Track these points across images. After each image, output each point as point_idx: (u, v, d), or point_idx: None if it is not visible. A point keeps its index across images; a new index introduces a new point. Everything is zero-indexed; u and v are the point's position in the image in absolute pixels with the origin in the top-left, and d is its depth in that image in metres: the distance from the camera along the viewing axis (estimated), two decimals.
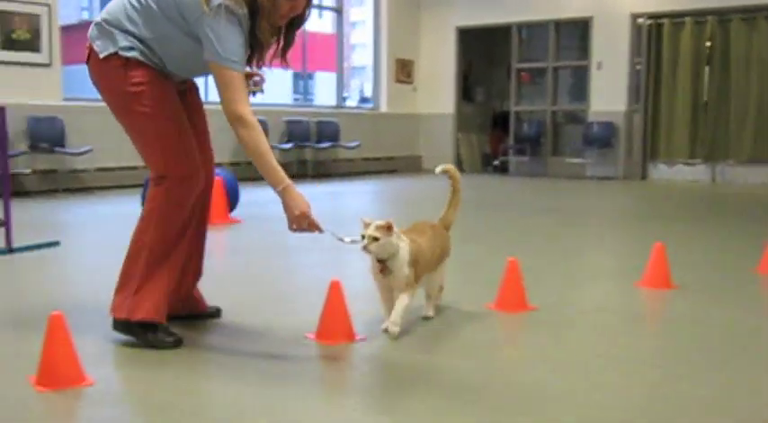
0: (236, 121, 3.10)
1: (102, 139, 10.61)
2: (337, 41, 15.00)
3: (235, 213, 7.51)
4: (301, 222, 3.15)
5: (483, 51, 15.68)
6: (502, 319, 3.85)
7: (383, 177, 13.60)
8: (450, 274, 3.89)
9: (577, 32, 14.29)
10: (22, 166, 9.79)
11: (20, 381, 2.81)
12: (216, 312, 3.74)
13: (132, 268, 3.30)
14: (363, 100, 27.13)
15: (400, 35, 15.07)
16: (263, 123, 12.17)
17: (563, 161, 14.05)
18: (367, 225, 3.28)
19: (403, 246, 3.32)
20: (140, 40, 3.21)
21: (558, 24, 14.22)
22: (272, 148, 11.91)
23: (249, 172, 11.58)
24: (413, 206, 9.22)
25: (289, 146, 12.56)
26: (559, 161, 14.16)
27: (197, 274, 3.66)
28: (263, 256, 5.56)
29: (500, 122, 15.53)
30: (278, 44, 3.38)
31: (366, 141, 13.96)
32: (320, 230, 3.19)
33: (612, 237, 7.05)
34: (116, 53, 3.18)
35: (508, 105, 15.05)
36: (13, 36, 9.86)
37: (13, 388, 2.76)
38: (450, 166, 3.90)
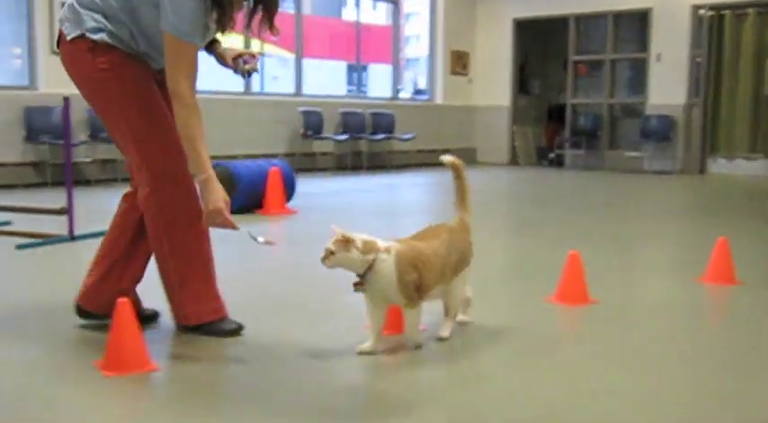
0: (174, 96, 2.97)
1: None
2: (393, 33, 14.99)
3: (291, 204, 7.54)
4: (215, 218, 2.98)
5: (539, 43, 15.55)
6: (563, 312, 3.82)
7: (437, 170, 13.54)
8: (507, 267, 3.86)
9: (636, 24, 14.09)
10: (83, 155, 9.95)
11: (87, 365, 2.86)
12: (153, 315, 3.46)
13: (169, 278, 3.23)
14: (417, 92, 27.06)
15: (456, 27, 15.01)
16: (317, 114, 12.33)
17: (620, 155, 13.88)
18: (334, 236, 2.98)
19: (383, 258, 2.95)
20: (109, 17, 3.05)
21: (617, 16, 14.04)
22: (328, 139, 11.97)
23: (304, 163, 11.69)
24: None
25: (344, 137, 12.58)
26: (616, 155, 14.00)
27: (138, 277, 3.40)
28: (316, 247, 5.56)
29: (556, 115, 15.39)
30: (249, 8, 3.15)
31: (421, 133, 13.93)
32: (234, 228, 3.01)
33: (672, 231, 6.95)
34: (83, 35, 3.05)
35: (564, 98, 14.91)
36: None
37: (81, 372, 2.81)
38: (457, 161, 3.38)
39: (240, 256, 5.06)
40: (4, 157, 9.50)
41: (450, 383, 2.80)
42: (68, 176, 5.66)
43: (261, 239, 3.13)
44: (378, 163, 13.42)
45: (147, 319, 3.36)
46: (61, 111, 9.47)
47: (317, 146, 12.61)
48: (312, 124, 12.36)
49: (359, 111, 13.26)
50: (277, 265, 4.92)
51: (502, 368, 2.97)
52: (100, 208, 7.43)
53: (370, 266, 2.94)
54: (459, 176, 3.38)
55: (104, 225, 6.08)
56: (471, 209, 3.40)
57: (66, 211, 5.60)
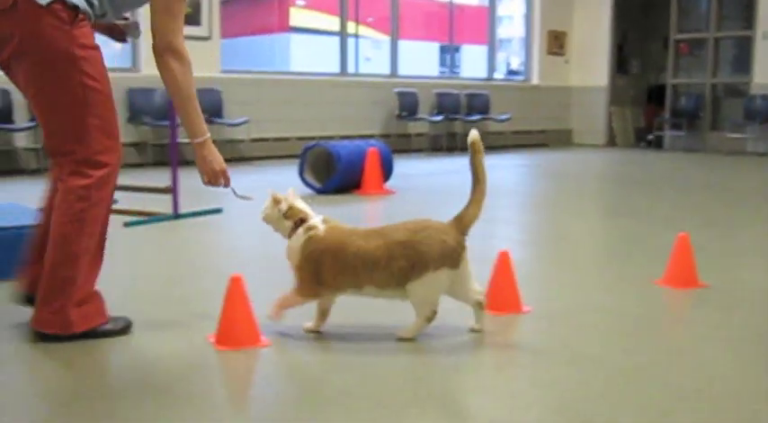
0: (169, 52, 2.80)
1: (258, 109, 10.90)
2: (489, 13, 14.83)
3: (388, 184, 7.55)
4: (218, 177, 3.00)
5: (639, 22, 15.18)
6: (673, 295, 3.72)
7: (533, 151, 13.40)
8: (611, 248, 3.77)
9: (742, 1, 13.63)
10: (183, 136, 10.12)
11: (200, 339, 2.91)
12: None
13: (66, 275, 2.79)
14: (510, 73, 26.85)
15: (553, 6, 14.76)
16: (412, 95, 12.31)
17: (721, 136, 13.47)
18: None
19: (299, 234, 2.90)
20: None
21: None
22: (423, 120, 11.95)
23: (398, 144, 11.69)
24: (562, 180, 9.06)
25: (438, 118, 12.53)
26: (717, 136, 13.59)
27: None
28: None
29: (655, 96, 15.01)
30: None
31: (516, 114, 13.78)
32: (228, 186, 3.07)
33: None
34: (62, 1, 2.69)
35: (664, 78, 14.53)
36: None
37: (194, 346, 2.86)
38: (477, 138, 2.94)
39: None
40: None
41: (566, 366, 2.75)
42: (174, 156, 5.78)
43: (240, 194, 3.16)
44: None
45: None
46: (161, 93, 9.68)
47: (412, 127, 12.59)
48: (407, 105, 12.35)
49: (454, 91, 13.18)
50: None
51: (613, 350, 2.91)
52: (200, 187, 7.57)
53: (290, 236, 2.92)
54: (475, 158, 2.95)
55: (205, 204, 6.23)
56: (482, 201, 3.01)
57: (171, 190, 5.72)
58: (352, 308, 3.15)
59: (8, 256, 3.79)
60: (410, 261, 2.83)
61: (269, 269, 4.11)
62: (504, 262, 3.36)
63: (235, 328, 2.82)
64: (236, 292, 2.81)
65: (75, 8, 2.72)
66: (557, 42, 14.84)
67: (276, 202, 2.98)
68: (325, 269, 2.86)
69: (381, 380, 2.53)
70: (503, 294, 3.34)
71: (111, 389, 2.48)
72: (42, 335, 2.83)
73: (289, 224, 2.94)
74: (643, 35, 15.41)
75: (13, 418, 2.24)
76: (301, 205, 2.99)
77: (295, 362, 2.72)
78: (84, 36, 2.77)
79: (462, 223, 2.96)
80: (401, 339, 2.92)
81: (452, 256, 2.87)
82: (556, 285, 3.93)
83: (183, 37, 2.83)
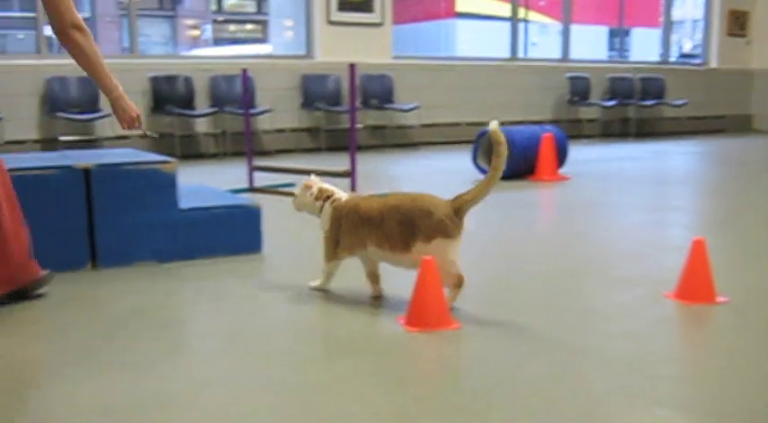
0: (74, 28, 3.20)
1: (429, 95, 10.94)
2: None
3: (562, 170, 7.43)
4: (134, 122, 3.48)
5: None
6: None
7: (709, 137, 12.87)
8: None
9: None
10: (360, 121, 10.30)
11: (390, 320, 2.95)
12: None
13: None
14: (682, 56, 25.89)
15: None
16: (584, 80, 12.04)
17: None
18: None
19: (326, 207, 3.29)
20: None
21: None
22: (595, 105, 11.66)
23: (569, 130, 11.47)
24: (741, 168, 8.64)
25: (611, 103, 12.20)
26: None
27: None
28: (599, 214, 5.44)
29: None
30: None
31: (693, 99, 13.25)
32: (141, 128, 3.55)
33: None
34: None
35: None
36: None
37: (387, 327, 2.90)
38: (496, 128, 3.00)
39: (504, 222, 5.05)
40: (284, 123, 10.02)
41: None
42: (352, 141, 5.88)
43: (149, 133, 3.97)
44: (646, 130, 12.92)
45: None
46: (334, 79, 9.86)
47: (584, 112, 12.33)
48: (579, 90, 12.10)
49: (628, 75, 12.81)
50: (550, 231, 4.86)
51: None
52: (374, 171, 7.69)
53: (320, 212, 3.30)
54: (496, 149, 2.98)
55: (380, 188, 6.31)
56: (485, 189, 3.02)
57: (350, 173, 5.82)
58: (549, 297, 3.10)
59: (205, 233, 3.96)
60: (400, 225, 3.07)
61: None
62: (698, 250, 3.23)
63: (426, 311, 2.84)
64: (428, 275, 2.83)
65: None
66: (737, 22, 14.15)
67: (307, 187, 3.36)
68: (342, 231, 3.24)
69: (580, 369, 2.49)
70: (697, 283, 3.21)
71: (303, 357, 2.54)
72: None
73: (319, 203, 3.31)
74: None
75: None
76: (328, 186, 3.37)
77: (486, 346, 2.71)
78: None
79: (456, 202, 3.06)
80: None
81: (441, 228, 3.00)
82: (749, 275, 3.75)
83: (75, 9, 3.24)
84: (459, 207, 3.04)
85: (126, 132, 8.86)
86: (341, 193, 3.33)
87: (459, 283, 3.05)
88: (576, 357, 2.58)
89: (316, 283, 3.41)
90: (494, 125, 3.00)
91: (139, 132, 3.69)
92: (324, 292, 3.36)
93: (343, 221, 3.23)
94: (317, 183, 3.36)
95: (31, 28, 30.48)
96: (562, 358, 2.57)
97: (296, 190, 3.40)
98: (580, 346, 2.68)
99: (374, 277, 3.32)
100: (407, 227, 3.05)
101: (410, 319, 2.87)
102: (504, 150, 2.98)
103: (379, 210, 3.14)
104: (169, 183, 3.91)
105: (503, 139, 2.97)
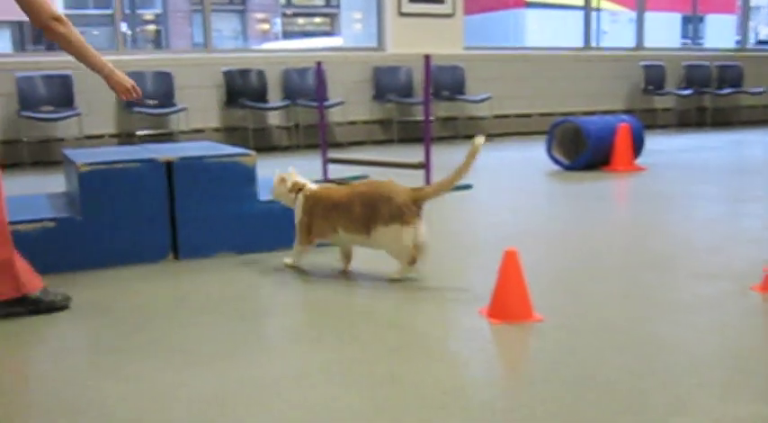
0: (55, 20, 3.32)
1: (500, 86, 10.86)
2: None
3: (638, 161, 7.31)
4: (131, 92, 3.56)
5: None
6: None
7: None
8: None
9: None
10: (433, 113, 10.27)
11: (472, 312, 2.94)
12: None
13: None
14: (759, 43, 25.27)
15: None
16: (659, 69, 11.82)
17: None
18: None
19: (299, 198, 3.62)
20: None
21: None
22: (670, 94, 11.42)
23: (643, 119, 11.29)
24: None
25: (687, 92, 11.96)
26: None
27: None
28: (676, 205, 5.33)
29: None
30: None
31: None
32: (140, 97, 3.66)
33: None
34: None
35: None
36: None
37: (469, 319, 2.88)
38: (480, 144, 3.26)
39: (580, 213, 4.98)
40: (356, 115, 10.05)
41: None
42: (427, 133, 5.85)
43: (149, 101, 3.91)
44: (723, 119, 12.64)
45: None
46: (405, 71, 9.85)
47: (658, 101, 12.11)
48: (653, 79, 11.88)
49: (704, 63, 12.53)
50: (627, 222, 4.79)
51: None
52: (446, 163, 7.65)
53: (294, 203, 3.64)
54: (469, 158, 3.32)
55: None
56: (447, 186, 3.38)
57: (424, 165, 5.80)
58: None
59: (283, 225, 4.00)
60: (364, 208, 3.37)
61: (529, 243, 4.09)
62: None
63: (509, 302, 2.82)
64: (510, 267, 2.81)
65: None
66: None
67: (282, 180, 3.68)
68: (313, 218, 3.55)
69: (669, 363, 2.45)
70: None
71: (388, 351, 2.54)
72: None
73: (293, 195, 3.64)
74: None
75: None
76: (301, 179, 3.68)
77: (572, 338, 2.68)
78: None
79: (417, 194, 3.38)
80: (391, 280, 3.42)
81: (399, 215, 3.31)
82: None
83: (52, 4, 3.37)
84: (418, 198, 3.36)
85: (200, 126, 8.99)
86: (311, 184, 3.67)
87: (412, 262, 3.39)
88: (665, 351, 2.53)
89: (289, 260, 3.71)
90: (479, 140, 3.26)
91: (148, 103, 3.91)
92: (402, 286, 3.35)
93: (315, 209, 3.55)
94: (291, 176, 3.68)
95: (107, 25, 31.11)
96: (650, 351, 2.52)
97: (274, 181, 3.73)
98: (667, 340, 2.64)
99: (347, 257, 3.67)
100: (370, 211, 3.37)
101: (493, 311, 2.85)
102: (472, 161, 3.31)
103: (348, 196, 3.45)
104: (249, 175, 3.95)
105: (478, 152, 3.28)
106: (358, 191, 3.43)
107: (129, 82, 3.62)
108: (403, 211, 3.31)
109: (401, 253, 3.37)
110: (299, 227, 3.63)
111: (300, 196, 3.61)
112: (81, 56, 3.51)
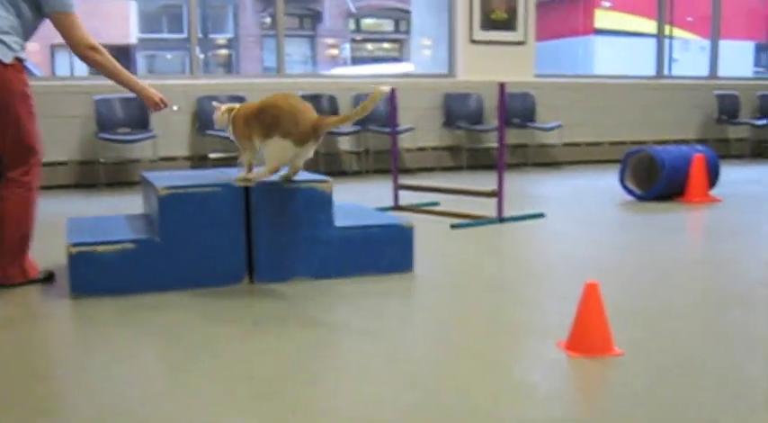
0: (91, 50, 3.86)
1: (571, 114, 10.80)
2: None
3: (713, 192, 7.19)
4: (160, 105, 4.12)
5: None
6: None
7: None
8: None
9: None
10: (496, 140, 10.24)
11: (550, 344, 2.90)
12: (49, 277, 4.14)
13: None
14: None
15: None
16: (733, 98, 11.62)
17: None
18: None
19: (229, 118, 4.00)
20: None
21: None
22: (745, 124, 11.20)
23: (717, 149, 11.10)
24: None
25: (762, 122, 11.72)
26: None
27: None
28: (755, 239, 5.21)
29: None
30: None
31: None
32: (168, 105, 4.21)
33: None
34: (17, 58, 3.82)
35: None
36: (492, 17, 10.32)
37: (546, 350, 2.85)
38: (380, 92, 3.58)
39: (656, 245, 4.91)
40: (426, 141, 10.07)
41: None
42: (501, 161, 5.82)
43: (174, 107, 4.13)
44: None
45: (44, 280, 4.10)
46: (476, 98, 9.85)
47: (732, 131, 11.91)
48: (727, 108, 11.69)
49: None
50: (705, 256, 4.69)
51: None
52: (518, 191, 7.62)
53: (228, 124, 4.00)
54: (369, 104, 3.64)
55: (524, 208, 6.26)
56: (345, 120, 3.86)
57: (496, 193, 5.78)
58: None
59: (359, 251, 4.01)
60: (271, 119, 3.74)
61: (604, 274, 4.03)
62: None
63: (589, 336, 2.78)
64: (591, 299, 2.77)
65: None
66: None
67: (219, 109, 4.04)
68: (240, 129, 3.93)
69: (759, 404, 2.39)
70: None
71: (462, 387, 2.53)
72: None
73: (226, 116, 3.99)
74: None
75: None
76: (232, 105, 4.07)
77: (654, 375, 2.63)
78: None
79: (322, 121, 3.75)
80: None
81: (295, 134, 3.70)
82: None
83: (86, 32, 3.90)
84: (318, 126, 3.73)
85: None
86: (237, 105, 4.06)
87: (286, 179, 3.94)
88: (751, 390, 2.47)
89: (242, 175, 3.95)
90: (384, 88, 3.59)
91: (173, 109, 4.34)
92: (479, 316, 3.33)
93: (236, 122, 3.92)
94: (229, 107, 4.04)
95: (179, 49, 31.69)
96: (735, 390, 2.46)
97: (216, 114, 4.07)
98: (754, 379, 2.57)
99: (293, 169, 3.95)
100: (274, 121, 3.73)
101: (572, 344, 2.82)
102: (370, 108, 3.67)
103: (260, 106, 3.83)
104: (325, 201, 3.98)
105: (377, 99, 3.60)
106: (270, 102, 3.80)
107: (157, 96, 4.13)
108: (301, 133, 3.70)
109: (273, 162, 3.81)
110: (239, 142, 3.99)
111: (230, 116, 3.99)
112: (115, 79, 4.02)
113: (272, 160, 3.80)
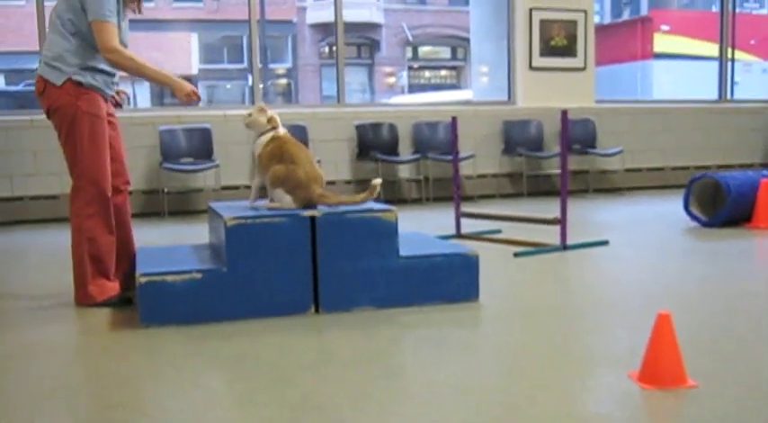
0: (112, 52, 3.97)
1: (632, 140, 10.71)
2: None
3: None
4: (192, 97, 4.16)
5: None
6: None
7: None
8: None
9: None
10: (555, 167, 10.19)
11: (621, 375, 2.87)
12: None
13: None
14: None
15: None
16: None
17: None
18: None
19: (268, 134, 4.15)
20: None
21: None
22: None
23: None
24: None
25: None
26: None
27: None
28: None
29: None
30: None
31: None
32: (200, 98, 4.26)
33: None
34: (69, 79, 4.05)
35: None
36: (552, 43, 10.31)
37: (617, 381, 2.81)
38: (377, 184, 4.08)
39: (724, 273, 4.82)
40: (485, 168, 10.06)
41: None
42: (564, 188, 5.78)
43: (200, 104, 4.63)
44: None
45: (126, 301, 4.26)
46: (536, 125, 9.81)
47: None
48: None
49: None
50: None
51: None
52: (580, 218, 7.56)
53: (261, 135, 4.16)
54: (369, 195, 4.08)
55: (586, 235, 6.19)
56: (342, 199, 4.10)
57: (560, 221, 5.74)
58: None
59: (424, 280, 4.01)
60: (285, 172, 4.02)
61: (673, 303, 3.97)
62: None
63: (661, 367, 2.74)
64: (664, 330, 2.73)
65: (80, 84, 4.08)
66: None
67: (262, 110, 4.16)
68: (267, 156, 4.12)
69: None
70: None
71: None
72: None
73: (268, 128, 4.15)
74: None
75: None
76: (277, 117, 4.20)
77: (731, 408, 2.58)
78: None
79: (322, 198, 4.04)
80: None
81: (298, 199, 4.03)
82: None
83: (117, 40, 4.02)
84: (318, 201, 4.03)
85: (332, 178, 9.13)
86: (283, 129, 4.20)
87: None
88: None
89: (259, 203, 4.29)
90: (376, 181, 4.06)
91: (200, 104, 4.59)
92: (546, 345, 3.31)
93: (272, 149, 4.08)
94: (269, 111, 4.18)
95: (239, 79, 32.10)
96: None
97: (250, 110, 4.20)
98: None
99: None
100: (287, 177, 4.00)
101: (644, 376, 2.78)
102: (369, 199, 4.07)
103: (286, 153, 4.06)
104: (390, 231, 3.99)
105: (375, 192, 4.05)
106: (293, 157, 4.05)
107: (188, 88, 4.18)
108: (299, 198, 4.00)
109: (279, 204, 4.09)
110: (259, 167, 4.18)
111: (270, 134, 4.12)
112: (141, 74, 4.12)
113: (278, 202, 4.11)
